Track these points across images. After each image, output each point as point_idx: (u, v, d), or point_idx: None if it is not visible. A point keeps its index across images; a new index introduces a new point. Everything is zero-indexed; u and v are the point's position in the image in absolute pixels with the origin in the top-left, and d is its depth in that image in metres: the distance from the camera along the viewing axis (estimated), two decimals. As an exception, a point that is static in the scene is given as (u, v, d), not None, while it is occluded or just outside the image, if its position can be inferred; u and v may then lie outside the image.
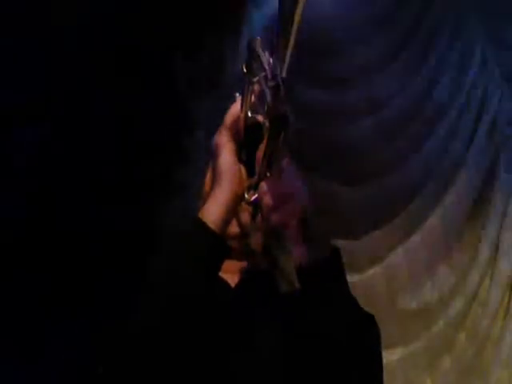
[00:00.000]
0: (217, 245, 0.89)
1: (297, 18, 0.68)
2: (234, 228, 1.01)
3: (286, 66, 0.73)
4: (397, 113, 2.61)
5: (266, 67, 0.75)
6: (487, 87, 2.56)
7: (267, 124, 0.78)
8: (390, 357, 2.44)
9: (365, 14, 2.63)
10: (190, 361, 0.88)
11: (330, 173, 2.66)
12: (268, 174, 0.85)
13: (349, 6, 2.63)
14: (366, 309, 0.98)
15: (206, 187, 1.10)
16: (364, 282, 2.54)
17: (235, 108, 0.92)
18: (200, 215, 0.90)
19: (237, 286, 1.07)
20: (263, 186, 0.86)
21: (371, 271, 2.58)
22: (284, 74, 0.73)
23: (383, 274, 2.57)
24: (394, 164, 2.62)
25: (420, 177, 2.60)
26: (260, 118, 0.86)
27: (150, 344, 0.83)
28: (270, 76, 0.74)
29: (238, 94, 0.93)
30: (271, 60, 0.74)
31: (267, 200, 0.86)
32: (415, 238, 2.58)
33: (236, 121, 0.91)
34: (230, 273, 1.05)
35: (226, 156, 0.91)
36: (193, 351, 0.87)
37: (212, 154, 0.94)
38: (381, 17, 2.62)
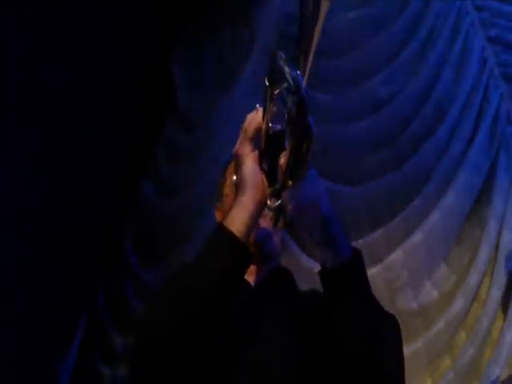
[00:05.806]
0: (242, 253, 0.92)
1: (317, 33, 0.69)
2: (254, 234, 1.04)
3: (306, 77, 0.74)
4: (397, 113, 2.61)
5: (289, 80, 0.76)
6: (487, 87, 2.56)
7: (290, 135, 0.79)
8: (391, 357, 2.43)
9: (365, 14, 2.64)
10: (204, 357, 0.90)
11: (330, 173, 2.65)
12: (290, 183, 0.87)
13: (349, 7, 2.64)
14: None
15: (229, 199, 1.12)
16: (364, 281, 2.53)
17: (257, 118, 0.94)
18: (225, 223, 0.92)
19: (257, 284, 1.10)
20: (286, 194, 0.89)
21: (371, 271, 2.58)
22: (306, 86, 0.74)
23: (383, 274, 2.57)
24: (393, 164, 2.62)
25: (420, 177, 2.60)
26: (280, 127, 0.89)
27: (168, 340, 0.87)
28: (293, 89, 0.75)
29: (258, 106, 0.95)
30: (293, 73, 0.76)
31: (291, 208, 0.88)
32: (415, 238, 2.57)
33: (258, 131, 0.94)
34: (250, 274, 1.08)
35: (250, 165, 0.94)
36: (210, 349, 0.90)
37: (235, 164, 0.97)
38: (381, 17, 2.63)
